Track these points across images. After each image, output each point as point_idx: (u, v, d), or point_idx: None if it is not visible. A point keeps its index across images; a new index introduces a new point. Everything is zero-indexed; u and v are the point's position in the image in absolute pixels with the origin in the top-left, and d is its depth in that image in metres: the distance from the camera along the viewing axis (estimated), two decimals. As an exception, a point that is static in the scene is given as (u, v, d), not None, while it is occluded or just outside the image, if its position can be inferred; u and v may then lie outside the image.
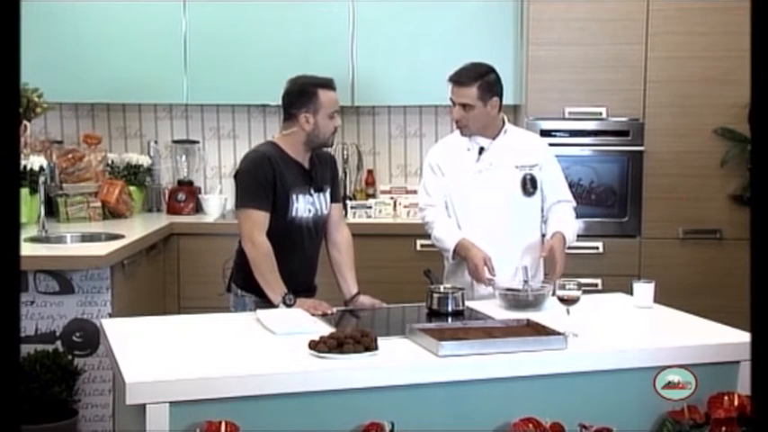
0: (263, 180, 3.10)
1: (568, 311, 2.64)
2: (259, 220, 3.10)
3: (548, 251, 3.23)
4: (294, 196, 3.15)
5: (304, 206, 3.18)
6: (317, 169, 3.26)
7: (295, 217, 3.17)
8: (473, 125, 3.33)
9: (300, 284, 3.14)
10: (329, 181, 3.31)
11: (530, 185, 3.36)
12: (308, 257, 3.26)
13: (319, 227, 3.28)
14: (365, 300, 3.24)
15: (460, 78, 3.31)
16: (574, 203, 3.50)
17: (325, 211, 3.28)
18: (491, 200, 3.33)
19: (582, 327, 2.62)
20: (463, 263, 3.32)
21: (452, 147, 3.44)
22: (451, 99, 3.34)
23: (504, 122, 3.41)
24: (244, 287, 3.21)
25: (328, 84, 3.19)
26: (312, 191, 3.22)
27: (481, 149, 3.37)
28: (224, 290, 3.38)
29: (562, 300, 2.66)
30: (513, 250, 3.32)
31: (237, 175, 3.22)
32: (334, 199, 3.34)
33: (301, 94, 3.16)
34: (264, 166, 3.11)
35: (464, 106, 3.30)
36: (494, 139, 3.37)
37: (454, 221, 3.37)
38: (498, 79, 3.35)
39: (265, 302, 3.04)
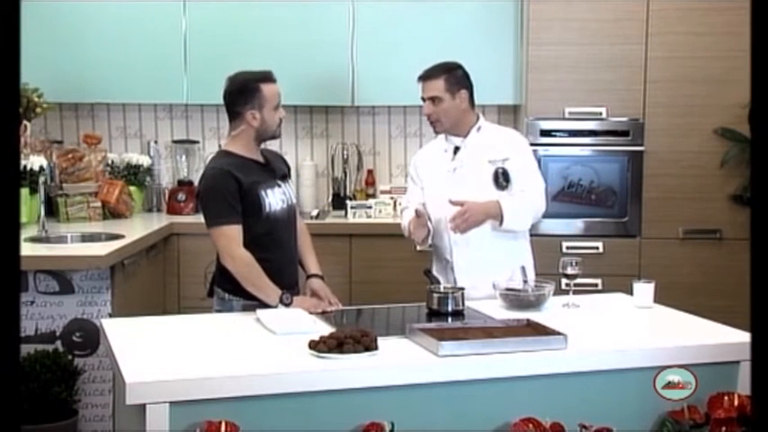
0: (228, 194, 3.07)
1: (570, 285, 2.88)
2: (233, 234, 3.07)
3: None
4: (263, 192, 3.14)
5: (275, 199, 3.18)
6: (272, 162, 3.28)
7: (270, 212, 3.15)
8: (444, 119, 3.36)
9: (287, 278, 3.13)
10: (287, 171, 3.35)
11: (502, 179, 3.35)
12: (289, 250, 3.26)
13: (292, 216, 3.29)
14: (316, 284, 3.23)
15: (427, 73, 3.38)
16: (540, 190, 3.39)
17: (295, 200, 3.32)
18: (465, 196, 3.32)
19: (582, 327, 2.62)
20: (447, 263, 3.37)
21: (432, 150, 3.52)
22: (422, 98, 3.39)
23: (477, 119, 3.43)
24: (231, 291, 3.16)
25: (268, 77, 3.19)
26: (278, 182, 3.23)
27: (456, 149, 3.41)
28: (206, 294, 3.34)
29: (566, 275, 2.92)
30: (488, 245, 3.33)
31: (201, 195, 3.19)
32: None
33: (243, 92, 3.16)
34: (226, 180, 3.08)
35: (433, 100, 3.34)
36: (466, 136, 3.39)
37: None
38: (466, 75, 3.40)
39: (253, 306, 2.98)
